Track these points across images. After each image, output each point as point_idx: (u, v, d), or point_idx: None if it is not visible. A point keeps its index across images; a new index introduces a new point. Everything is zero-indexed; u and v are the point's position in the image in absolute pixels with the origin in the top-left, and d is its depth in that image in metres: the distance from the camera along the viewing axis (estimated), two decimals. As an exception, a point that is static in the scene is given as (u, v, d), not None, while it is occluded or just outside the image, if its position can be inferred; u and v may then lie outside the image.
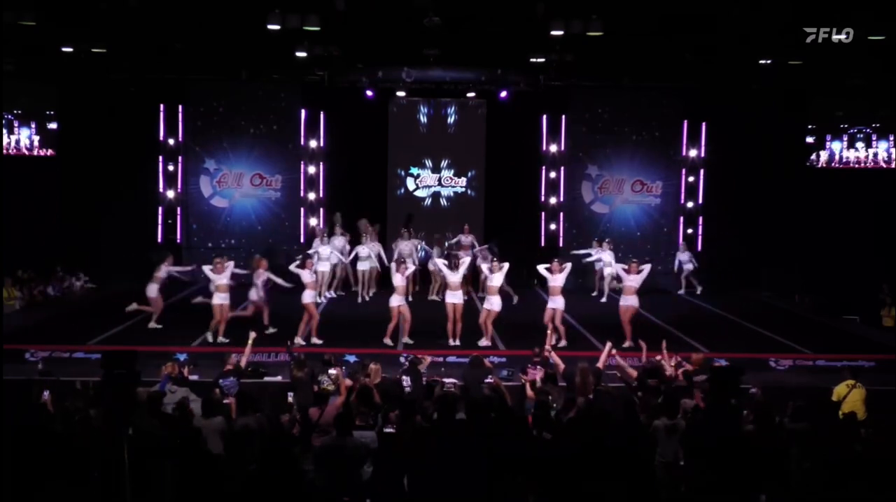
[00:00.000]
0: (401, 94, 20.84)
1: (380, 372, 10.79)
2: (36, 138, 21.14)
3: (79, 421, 8.41)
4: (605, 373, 11.01)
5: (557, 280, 14.36)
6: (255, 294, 15.23)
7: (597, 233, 22.08)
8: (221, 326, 14.51)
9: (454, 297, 14.66)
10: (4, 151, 20.40)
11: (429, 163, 22.21)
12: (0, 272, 17.58)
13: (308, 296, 14.49)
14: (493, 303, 14.44)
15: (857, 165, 21.92)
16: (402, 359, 13.54)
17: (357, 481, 7.90)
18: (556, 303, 14.33)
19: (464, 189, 22.28)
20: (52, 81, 20.68)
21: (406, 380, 11.04)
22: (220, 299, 14.60)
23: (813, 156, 22.00)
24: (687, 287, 20.67)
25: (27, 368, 12.80)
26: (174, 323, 15.96)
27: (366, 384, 10.21)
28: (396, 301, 14.44)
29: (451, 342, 14.50)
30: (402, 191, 22.26)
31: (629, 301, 14.63)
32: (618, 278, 16.54)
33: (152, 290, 15.27)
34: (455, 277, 14.77)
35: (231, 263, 14.86)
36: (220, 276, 14.62)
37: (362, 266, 18.25)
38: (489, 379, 10.87)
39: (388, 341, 14.40)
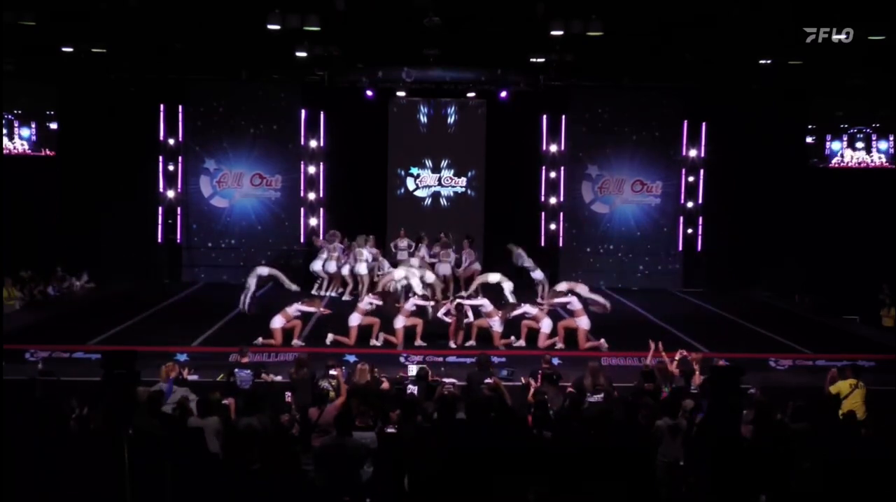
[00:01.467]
0: (401, 94, 20.82)
1: (367, 372, 10.76)
2: (35, 139, 21.18)
3: (78, 420, 8.43)
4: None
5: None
6: None
7: (597, 233, 22.11)
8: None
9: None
10: (4, 151, 20.41)
11: (429, 163, 22.20)
12: (0, 272, 17.58)
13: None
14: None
15: (857, 165, 21.92)
16: (401, 359, 13.57)
17: (357, 481, 7.90)
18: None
19: (464, 189, 22.26)
20: (52, 81, 20.68)
21: (412, 389, 10.97)
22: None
23: (813, 157, 22.04)
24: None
25: (27, 368, 12.77)
26: (174, 323, 15.97)
27: (362, 384, 10.24)
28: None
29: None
30: (402, 191, 22.25)
31: (581, 323, 14.46)
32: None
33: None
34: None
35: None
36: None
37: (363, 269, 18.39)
38: (488, 380, 10.86)
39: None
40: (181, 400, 9.53)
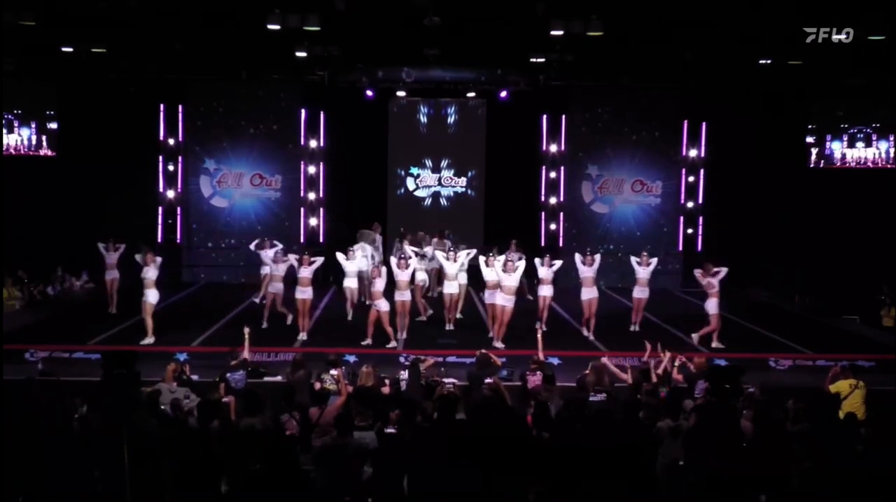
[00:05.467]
0: (401, 94, 20.84)
1: (371, 374, 10.76)
2: (35, 139, 21.20)
3: (79, 420, 8.43)
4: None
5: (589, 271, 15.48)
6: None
7: (597, 233, 22.10)
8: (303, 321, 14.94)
9: (502, 299, 14.70)
10: (4, 151, 20.40)
11: (429, 163, 22.22)
12: (0, 272, 17.59)
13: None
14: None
15: (857, 165, 21.92)
16: (402, 359, 13.57)
17: (357, 481, 7.90)
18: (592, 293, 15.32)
19: (464, 189, 22.29)
20: (52, 81, 20.71)
21: (403, 375, 11.09)
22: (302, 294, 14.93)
23: (813, 156, 22.05)
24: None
25: (27, 368, 12.78)
26: (174, 323, 15.95)
27: (366, 387, 10.24)
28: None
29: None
30: (402, 191, 22.27)
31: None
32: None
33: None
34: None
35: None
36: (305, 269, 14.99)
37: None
38: (488, 380, 10.86)
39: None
40: (173, 401, 9.55)
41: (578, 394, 9.87)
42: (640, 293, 16.07)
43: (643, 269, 15.95)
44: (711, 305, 14.92)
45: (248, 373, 11.27)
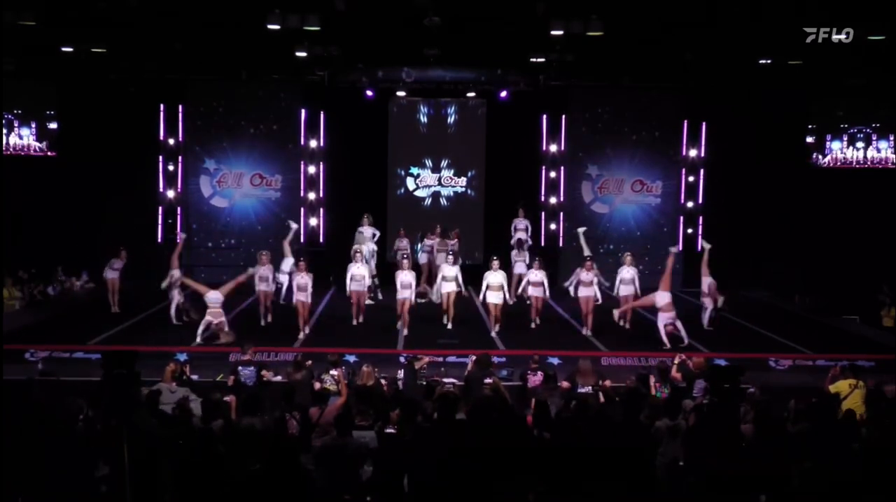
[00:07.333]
0: (401, 93, 20.84)
1: (371, 374, 10.80)
2: (35, 139, 21.20)
3: (84, 421, 8.43)
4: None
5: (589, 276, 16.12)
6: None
7: (597, 233, 22.09)
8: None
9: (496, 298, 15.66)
10: (4, 151, 20.40)
11: (429, 163, 22.21)
12: (0, 272, 17.59)
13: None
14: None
15: (857, 165, 21.93)
16: (401, 359, 13.58)
17: (357, 481, 7.90)
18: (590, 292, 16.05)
19: (464, 189, 22.28)
20: (52, 81, 20.71)
21: (400, 374, 11.13)
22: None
23: (814, 157, 22.06)
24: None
25: (27, 368, 12.79)
26: (174, 323, 15.99)
27: (367, 386, 10.26)
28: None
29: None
30: (402, 191, 22.26)
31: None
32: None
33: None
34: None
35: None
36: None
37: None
38: (488, 380, 10.87)
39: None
40: (181, 401, 9.55)
41: (572, 392, 9.89)
42: (625, 290, 16.55)
43: (626, 269, 16.59)
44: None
45: (259, 369, 11.43)
